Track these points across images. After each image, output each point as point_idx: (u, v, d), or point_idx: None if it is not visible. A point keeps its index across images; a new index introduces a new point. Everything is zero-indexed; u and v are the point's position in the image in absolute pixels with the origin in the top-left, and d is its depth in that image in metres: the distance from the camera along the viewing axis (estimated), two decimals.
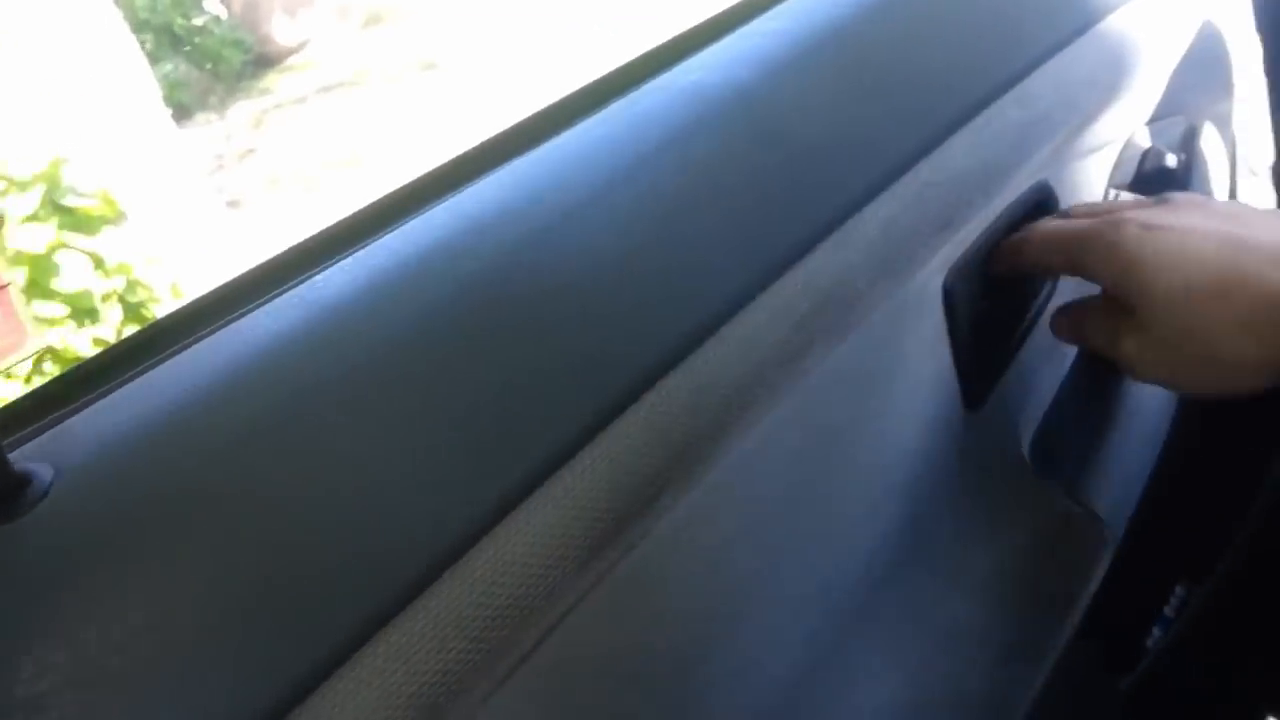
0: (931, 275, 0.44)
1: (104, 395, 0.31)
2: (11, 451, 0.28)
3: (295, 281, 0.35)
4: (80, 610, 0.25)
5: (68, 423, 0.30)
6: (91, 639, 0.25)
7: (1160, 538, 0.65)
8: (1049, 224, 0.46)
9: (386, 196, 0.39)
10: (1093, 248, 0.43)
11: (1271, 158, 0.74)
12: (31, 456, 0.28)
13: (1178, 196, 0.44)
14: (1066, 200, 0.52)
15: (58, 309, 2.70)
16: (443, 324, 0.32)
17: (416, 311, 0.32)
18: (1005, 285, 0.49)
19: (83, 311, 2.81)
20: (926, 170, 0.42)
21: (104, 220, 3.03)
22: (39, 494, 0.27)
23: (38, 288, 2.66)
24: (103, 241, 2.87)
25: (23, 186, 2.60)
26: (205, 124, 5.18)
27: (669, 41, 0.46)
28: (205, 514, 0.27)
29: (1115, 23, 0.52)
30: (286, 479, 0.28)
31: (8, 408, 0.32)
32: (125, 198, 3.13)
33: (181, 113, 4.93)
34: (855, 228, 0.40)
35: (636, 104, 0.42)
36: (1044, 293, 0.53)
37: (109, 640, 0.25)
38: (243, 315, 0.33)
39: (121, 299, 2.99)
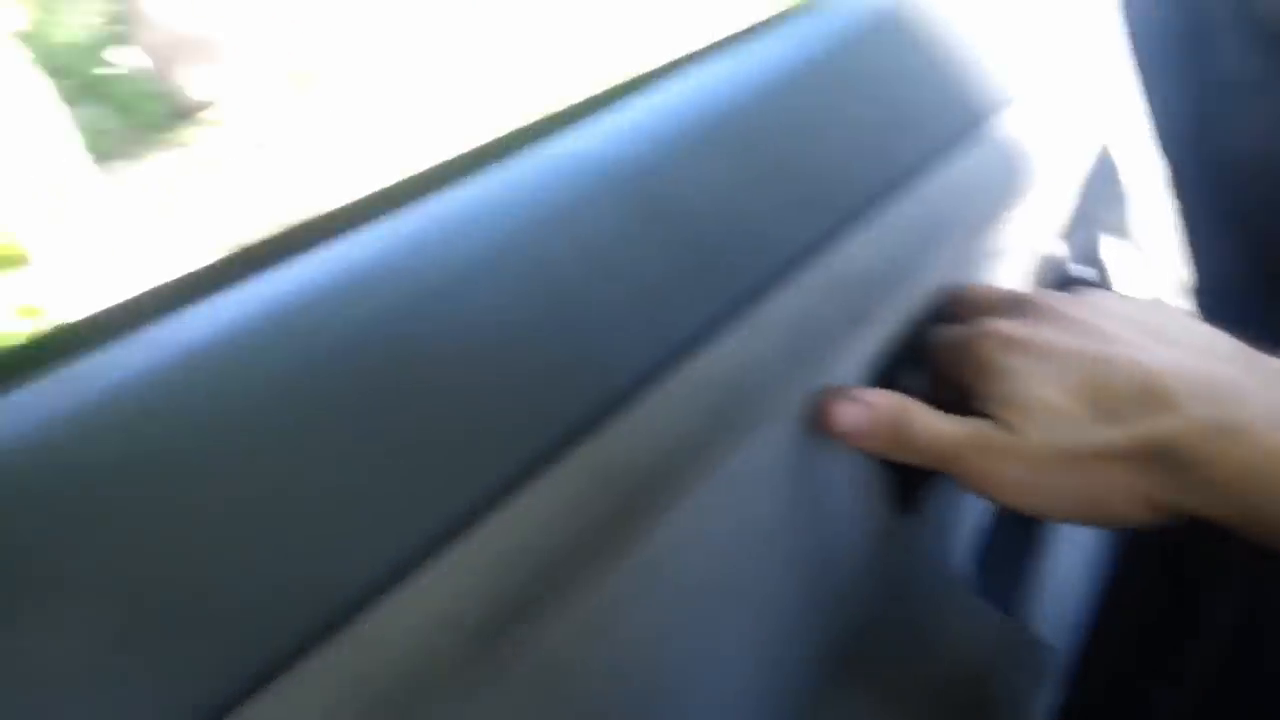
0: (849, 372, 0.42)
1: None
2: None
3: (171, 311, 0.32)
4: None
5: None
6: None
7: (1117, 650, 0.61)
8: (942, 331, 0.43)
9: (267, 238, 0.36)
10: (964, 361, 0.40)
11: (1183, 275, 0.77)
12: None
13: (1039, 301, 0.41)
14: None
15: None
16: (318, 374, 0.30)
17: (285, 363, 0.30)
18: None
19: None
20: (830, 262, 0.40)
21: (8, 262, 2.95)
22: None
23: None
24: (8, 284, 2.80)
25: None
26: (122, 171, 5.09)
27: (554, 112, 0.43)
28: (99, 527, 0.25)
29: (1009, 129, 0.52)
30: (166, 518, 0.26)
31: None
32: (34, 243, 3.06)
33: (101, 159, 4.84)
34: (763, 314, 0.38)
35: (516, 170, 0.39)
36: None
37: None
38: (130, 334, 0.31)
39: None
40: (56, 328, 0.32)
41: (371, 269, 0.33)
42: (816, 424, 0.40)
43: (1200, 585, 0.72)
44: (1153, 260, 0.75)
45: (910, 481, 0.46)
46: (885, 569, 0.47)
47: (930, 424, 0.38)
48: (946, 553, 0.50)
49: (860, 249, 0.42)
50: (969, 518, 0.52)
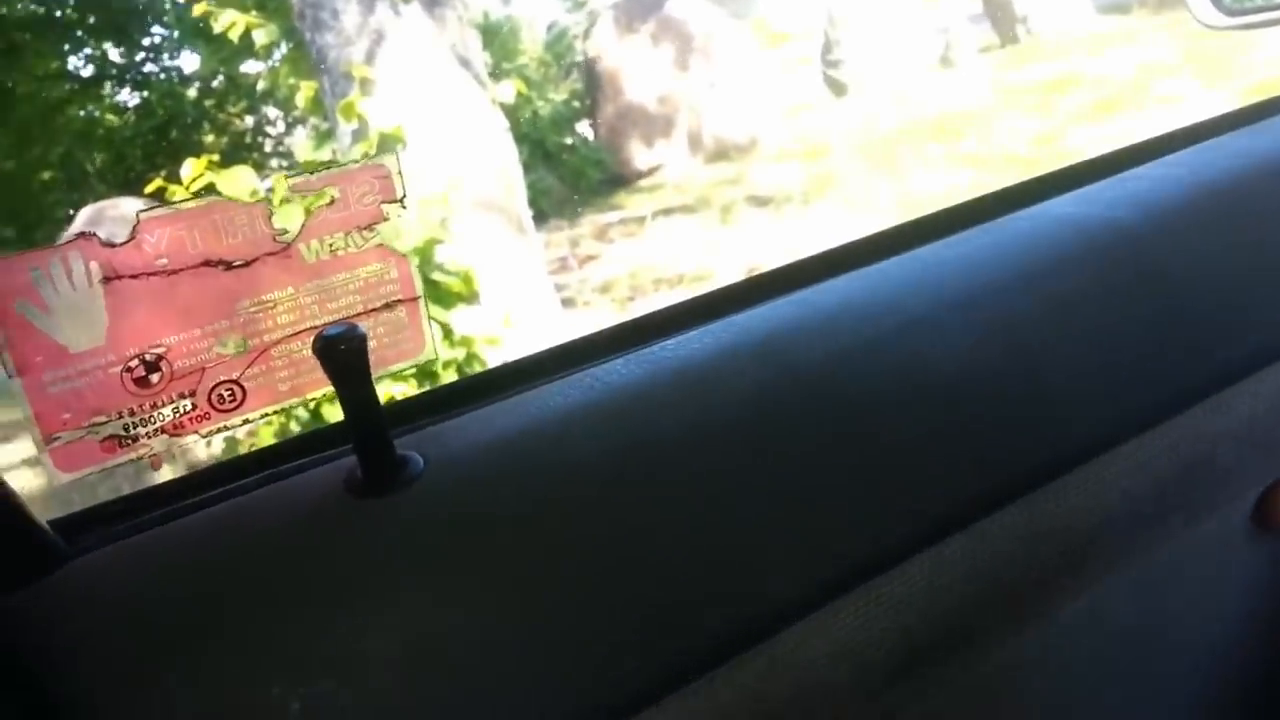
0: None
1: (473, 409, 0.35)
2: (397, 438, 0.32)
3: (651, 342, 0.38)
4: (427, 583, 0.29)
5: (441, 425, 0.34)
6: (428, 612, 0.28)
7: None
8: None
9: (743, 280, 0.41)
10: None
11: None
12: (408, 447, 0.32)
13: None
14: None
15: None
16: (781, 399, 0.33)
17: (756, 384, 0.34)
18: None
19: (425, 374, 3.16)
20: None
21: (460, 297, 3.39)
22: (412, 476, 0.31)
23: None
24: (455, 316, 3.22)
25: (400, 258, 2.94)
26: (557, 229, 5.73)
27: (1044, 175, 0.45)
28: (546, 522, 0.30)
29: None
30: (625, 507, 0.31)
31: (396, 404, 0.37)
32: (483, 281, 3.49)
33: (539, 217, 5.51)
34: (1236, 397, 0.36)
35: (1003, 229, 0.41)
36: None
37: (441, 618, 0.28)
38: (603, 363, 0.37)
39: (459, 368, 3.32)
40: (526, 357, 0.39)
41: (850, 308, 0.36)
42: (1264, 515, 0.38)
43: None
44: None
45: None
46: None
47: None
48: None
49: None
50: None
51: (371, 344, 0.30)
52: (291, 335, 0.30)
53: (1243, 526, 0.38)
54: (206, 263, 0.28)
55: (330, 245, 0.29)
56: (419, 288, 0.31)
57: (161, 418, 0.28)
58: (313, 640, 0.27)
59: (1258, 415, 0.36)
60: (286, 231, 0.29)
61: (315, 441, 0.34)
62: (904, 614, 0.31)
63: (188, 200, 0.28)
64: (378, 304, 0.30)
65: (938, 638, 0.31)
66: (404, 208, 0.30)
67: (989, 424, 0.33)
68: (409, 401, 0.37)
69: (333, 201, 0.29)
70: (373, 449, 0.30)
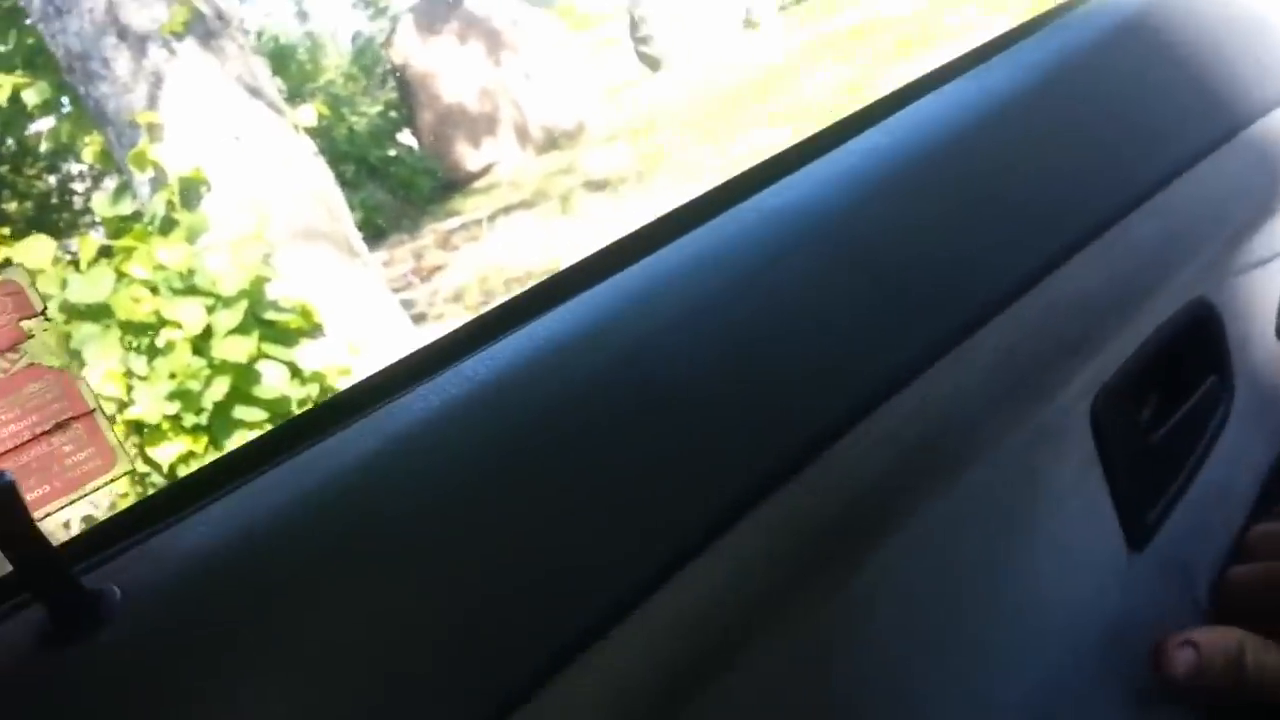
0: (1077, 400, 0.41)
1: (176, 521, 0.31)
2: (86, 574, 0.28)
3: (375, 407, 0.34)
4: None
5: (140, 547, 0.30)
6: None
7: None
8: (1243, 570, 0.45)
9: (476, 319, 0.39)
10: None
11: None
12: (104, 579, 0.28)
13: None
14: (1232, 318, 0.48)
15: (258, 414, 2.93)
16: (517, 445, 0.32)
17: (484, 436, 0.32)
18: (1167, 411, 0.45)
19: (280, 416, 3.04)
20: (1048, 291, 0.40)
21: (301, 332, 3.27)
22: (110, 612, 0.27)
23: (239, 394, 2.89)
24: (300, 352, 3.11)
25: (228, 303, 2.82)
26: (399, 244, 5.60)
27: (754, 166, 0.44)
28: (273, 639, 0.27)
29: (1267, 125, 0.49)
30: (352, 611, 0.28)
31: (86, 532, 0.32)
32: (322, 312, 3.38)
33: (378, 234, 5.36)
34: (966, 353, 0.37)
35: (719, 230, 0.40)
36: (1215, 421, 0.48)
37: None
38: (317, 442, 0.33)
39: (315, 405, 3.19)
40: (356, 385, 0.36)
41: (578, 338, 0.35)
42: (1155, 669, 0.42)
43: None
44: None
45: (1139, 516, 0.44)
46: (1116, 608, 0.45)
47: (1263, 661, 0.40)
48: (1186, 588, 0.47)
49: (1082, 273, 0.41)
50: (1212, 550, 0.48)
51: (55, 468, 0.27)
52: None
53: (1014, 470, 0.41)
54: None
55: None
56: (91, 401, 0.28)
57: None
58: None
59: (993, 362, 0.38)
60: None
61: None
62: (689, 621, 0.31)
63: None
64: (48, 426, 0.27)
65: (729, 636, 0.32)
66: (48, 319, 0.28)
67: (738, 424, 0.34)
68: (99, 528, 0.32)
69: None
70: (54, 592, 0.26)
